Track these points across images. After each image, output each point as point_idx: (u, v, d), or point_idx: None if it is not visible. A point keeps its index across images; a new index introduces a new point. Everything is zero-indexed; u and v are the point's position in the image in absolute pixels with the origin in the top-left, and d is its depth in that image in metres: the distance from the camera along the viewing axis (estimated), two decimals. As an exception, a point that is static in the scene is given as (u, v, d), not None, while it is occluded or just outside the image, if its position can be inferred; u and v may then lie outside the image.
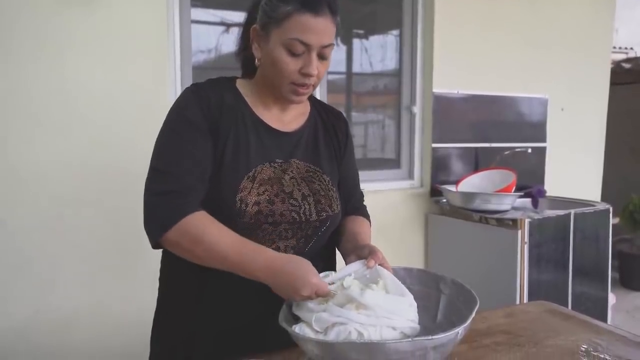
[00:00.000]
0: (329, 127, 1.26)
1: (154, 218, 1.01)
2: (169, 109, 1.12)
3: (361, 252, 1.07)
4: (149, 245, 1.04)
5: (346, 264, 1.09)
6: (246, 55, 1.17)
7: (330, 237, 1.22)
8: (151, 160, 1.07)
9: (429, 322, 0.98)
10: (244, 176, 1.08)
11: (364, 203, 1.37)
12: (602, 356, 1.10)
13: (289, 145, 1.17)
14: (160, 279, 1.22)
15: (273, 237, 1.09)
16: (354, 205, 1.33)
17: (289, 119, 1.20)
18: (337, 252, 1.26)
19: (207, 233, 0.99)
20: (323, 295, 0.93)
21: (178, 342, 1.15)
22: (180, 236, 0.99)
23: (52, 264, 2.06)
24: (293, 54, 1.05)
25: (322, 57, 1.08)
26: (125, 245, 2.12)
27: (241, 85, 1.18)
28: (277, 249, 1.10)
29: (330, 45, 1.07)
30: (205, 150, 1.06)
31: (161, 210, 1.00)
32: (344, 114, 1.42)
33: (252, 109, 1.15)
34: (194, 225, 0.99)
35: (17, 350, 2.02)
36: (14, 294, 2.01)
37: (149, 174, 1.06)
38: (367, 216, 1.34)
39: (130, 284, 2.16)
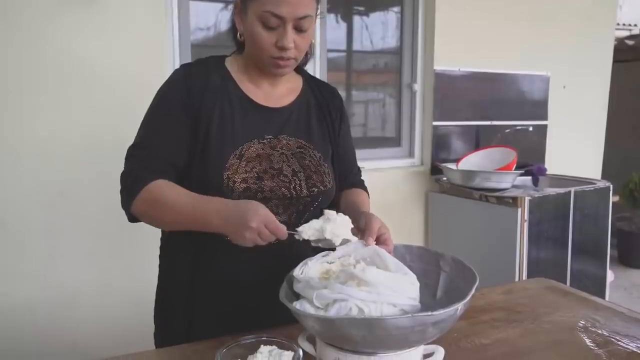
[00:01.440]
0: (322, 104, 1.25)
1: (124, 193, 1.06)
2: None
3: (358, 221, 1.06)
4: None
5: None
6: (236, 30, 1.16)
7: None
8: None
9: (429, 299, 0.98)
10: (230, 154, 1.08)
11: (362, 179, 1.37)
12: (600, 332, 1.12)
13: (278, 121, 1.17)
14: (160, 256, 1.23)
15: None
16: (352, 180, 1.33)
17: (279, 94, 1.19)
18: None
19: (164, 195, 1.02)
20: (274, 231, 0.94)
21: (179, 319, 1.16)
22: (142, 202, 1.03)
23: (53, 241, 2.07)
24: (268, 27, 1.04)
25: (299, 29, 1.05)
26: (126, 221, 2.13)
27: (231, 63, 1.18)
28: None
29: (307, 17, 1.04)
30: (181, 131, 1.08)
31: (128, 184, 1.05)
32: (343, 92, 1.41)
33: (239, 86, 1.15)
34: (152, 190, 1.03)
35: (22, 328, 2.04)
36: (17, 273, 2.03)
37: (127, 152, 1.10)
38: (365, 189, 1.35)
39: (132, 260, 2.17)
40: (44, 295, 2.07)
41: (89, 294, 2.15)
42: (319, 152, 1.19)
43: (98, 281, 2.16)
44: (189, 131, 1.09)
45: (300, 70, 1.26)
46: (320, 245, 0.99)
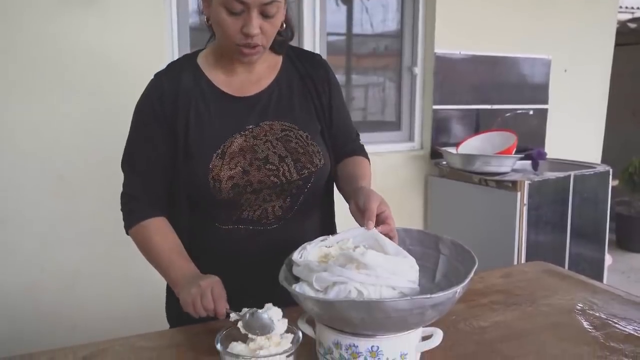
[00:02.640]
0: (304, 76, 1.19)
1: (123, 214, 1.15)
2: None
3: (357, 199, 1.02)
4: None
5: (349, 208, 1.06)
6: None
7: (325, 190, 1.21)
8: None
9: (428, 282, 0.99)
10: (212, 155, 1.07)
11: (361, 143, 1.34)
12: (597, 314, 1.12)
13: (258, 108, 1.13)
14: None
15: (258, 202, 1.10)
16: (352, 147, 1.30)
17: (257, 76, 1.15)
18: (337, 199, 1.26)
19: (150, 241, 1.10)
20: (218, 298, 0.97)
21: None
22: (135, 238, 1.13)
23: (53, 225, 2.08)
24: (232, 13, 1.00)
25: (265, 15, 1.01)
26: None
27: (204, 57, 1.15)
28: (265, 212, 1.11)
29: (273, 2, 1.00)
30: (162, 143, 1.10)
31: (124, 213, 1.15)
32: (343, 77, 1.38)
33: (212, 82, 1.12)
34: (142, 232, 1.11)
35: (22, 311, 2.05)
36: (16, 256, 2.04)
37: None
38: (364, 154, 1.30)
39: (132, 244, 2.17)
40: (43, 278, 2.08)
41: (89, 277, 2.16)
42: (305, 131, 1.15)
43: (98, 264, 2.17)
44: (169, 142, 1.10)
45: (280, 49, 1.19)
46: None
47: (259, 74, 1.16)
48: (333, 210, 1.29)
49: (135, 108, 1.13)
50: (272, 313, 0.89)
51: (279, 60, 1.19)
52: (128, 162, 1.14)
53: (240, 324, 0.88)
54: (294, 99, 1.17)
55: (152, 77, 1.13)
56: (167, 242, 1.10)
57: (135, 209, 1.12)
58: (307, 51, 1.26)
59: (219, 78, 1.13)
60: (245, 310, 0.91)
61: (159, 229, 1.11)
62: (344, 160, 1.27)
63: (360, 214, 1.01)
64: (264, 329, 0.87)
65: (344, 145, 1.28)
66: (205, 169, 1.06)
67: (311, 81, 1.19)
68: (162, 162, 1.11)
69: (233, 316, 0.93)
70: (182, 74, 1.12)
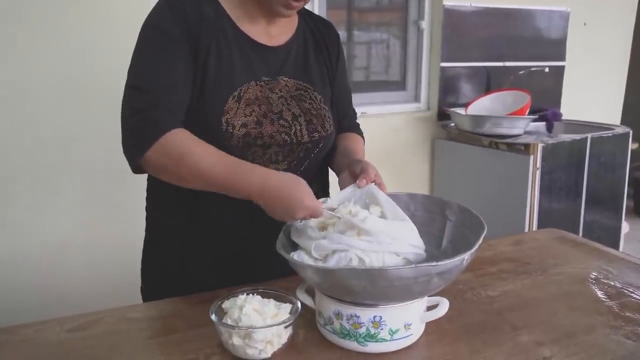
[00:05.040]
0: (319, 40, 1.23)
1: (132, 138, 1.00)
2: None
3: (354, 168, 1.07)
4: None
5: (339, 180, 1.11)
6: None
7: (324, 161, 1.22)
8: (127, 79, 1.04)
9: (434, 249, 1.00)
10: (228, 96, 1.06)
11: (357, 122, 1.38)
12: (612, 283, 1.14)
13: (276, 61, 1.15)
14: (147, 208, 1.23)
15: (263, 160, 1.10)
16: (348, 123, 1.33)
17: (276, 32, 1.16)
18: (330, 174, 1.27)
19: (191, 151, 0.97)
20: (317, 216, 0.95)
21: (168, 273, 1.18)
22: (161, 156, 0.98)
23: (36, 192, 2.08)
24: None
25: None
26: (115, 171, 2.13)
27: None
28: None
29: None
30: (186, 65, 1.04)
31: (139, 129, 0.99)
32: (344, 33, 1.37)
33: (235, 22, 1.11)
34: (175, 143, 0.98)
35: (7, 281, 2.08)
36: (4, 224, 2.05)
37: (125, 92, 1.03)
38: (360, 134, 1.35)
39: (120, 212, 2.19)
40: (29, 247, 2.10)
41: (76, 247, 2.17)
42: (319, 94, 1.18)
43: (85, 234, 2.18)
44: (194, 65, 1.04)
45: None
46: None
47: (278, 31, 1.17)
48: (328, 185, 1.30)
49: (151, 26, 1.05)
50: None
51: (295, 19, 1.21)
52: (138, 84, 1.02)
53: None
54: (310, 61, 1.20)
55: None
56: (216, 152, 0.99)
57: (157, 118, 0.98)
58: (321, 17, 1.30)
59: (241, 22, 1.12)
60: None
61: (196, 138, 1.00)
62: (340, 134, 1.30)
63: (353, 180, 1.05)
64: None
65: (341, 121, 1.31)
66: (220, 109, 1.05)
67: (324, 44, 1.23)
68: (184, 83, 1.03)
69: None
70: (202, 5, 1.08)
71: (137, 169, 1.02)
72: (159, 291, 1.14)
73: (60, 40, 2.03)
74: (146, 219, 1.24)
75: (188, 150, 0.98)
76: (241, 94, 1.07)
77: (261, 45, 1.13)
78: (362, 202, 1.00)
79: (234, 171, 0.98)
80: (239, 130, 1.05)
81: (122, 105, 1.03)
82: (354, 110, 1.37)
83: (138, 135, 0.99)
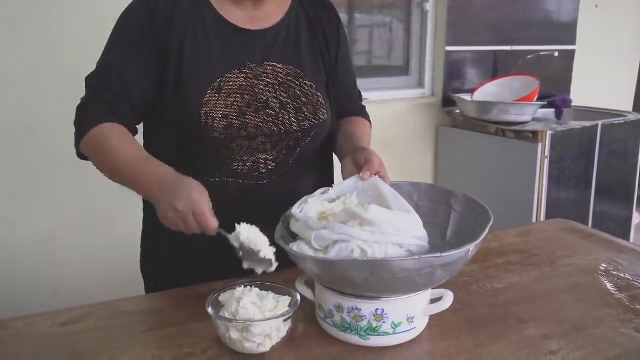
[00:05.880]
0: (314, 22, 1.20)
1: (76, 126, 1.06)
2: None
3: (358, 156, 1.06)
4: None
5: (342, 166, 1.10)
6: None
7: (322, 147, 1.21)
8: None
9: (438, 240, 1.00)
10: (207, 88, 1.06)
11: (363, 104, 1.36)
12: (622, 275, 1.14)
13: (263, 45, 1.13)
14: (144, 199, 1.23)
15: (250, 150, 1.09)
16: (353, 107, 1.32)
17: (265, 13, 1.14)
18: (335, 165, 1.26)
19: (110, 143, 1.01)
20: (202, 224, 0.91)
21: (167, 265, 1.19)
22: (89, 146, 1.03)
23: (24, 180, 2.08)
24: None
25: None
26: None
27: None
28: (257, 164, 1.11)
29: None
30: (142, 63, 1.06)
31: (80, 119, 1.06)
32: (345, 16, 1.36)
33: (215, 8, 1.10)
34: (100, 135, 1.02)
35: (1, 271, 2.08)
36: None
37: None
38: (366, 117, 1.33)
39: (113, 201, 2.18)
40: (19, 238, 2.10)
41: (69, 238, 2.18)
42: (310, 80, 1.16)
43: (78, 224, 2.19)
44: (154, 63, 1.06)
45: None
46: (245, 261, 0.94)
47: (267, 12, 1.15)
48: (332, 173, 1.30)
49: (119, 21, 1.09)
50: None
51: (288, 0, 1.19)
52: (97, 78, 1.08)
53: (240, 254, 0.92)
54: (302, 44, 1.18)
55: None
56: (132, 146, 1.03)
57: (94, 112, 1.04)
58: None
59: (222, 5, 1.11)
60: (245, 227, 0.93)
61: (123, 132, 1.04)
62: (344, 119, 1.28)
63: (357, 168, 1.04)
64: (264, 263, 0.91)
65: (346, 104, 1.29)
66: (198, 102, 1.05)
67: (321, 28, 1.20)
68: (140, 85, 1.06)
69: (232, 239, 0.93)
70: None
71: (80, 155, 1.09)
72: (159, 283, 1.14)
73: (53, 31, 2.03)
74: (143, 210, 1.24)
75: (108, 139, 1.02)
76: (222, 85, 1.07)
77: (244, 30, 1.11)
78: (365, 195, 1.00)
79: (139, 161, 1.00)
80: (219, 122, 1.05)
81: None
82: (359, 93, 1.35)
83: (78, 125, 1.06)
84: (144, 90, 1.07)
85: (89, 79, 1.08)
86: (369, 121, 1.33)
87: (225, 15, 1.11)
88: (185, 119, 1.06)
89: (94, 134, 1.02)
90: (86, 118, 1.04)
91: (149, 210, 1.23)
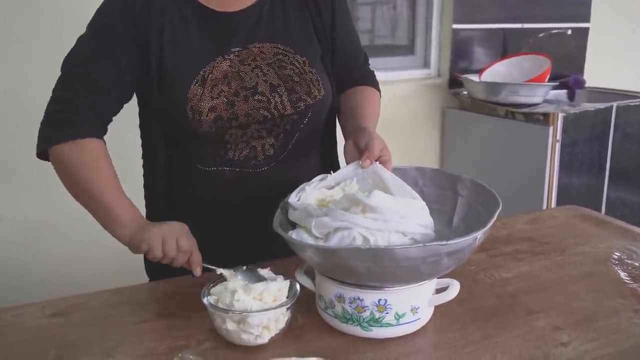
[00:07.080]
0: None
1: (47, 128, 1.06)
2: None
3: (358, 139, 1.04)
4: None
5: (344, 150, 1.09)
6: None
7: (327, 126, 1.21)
8: (67, 55, 1.09)
9: (444, 227, 1.00)
10: (191, 82, 1.05)
11: (370, 70, 1.33)
12: (637, 264, 1.14)
13: (246, 26, 1.11)
14: (145, 186, 1.24)
15: (245, 139, 1.09)
16: (359, 72, 1.29)
17: None
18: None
19: (85, 173, 1.03)
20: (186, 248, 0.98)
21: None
22: (60, 159, 1.04)
23: (22, 171, 2.08)
24: None
25: None
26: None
27: None
28: (254, 151, 1.11)
29: None
30: (123, 63, 1.05)
31: (53, 122, 1.06)
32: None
33: None
34: (78, 155, 1.03)
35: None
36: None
37: (62, 67, 1.08)
38: (374, 84, 1.30)
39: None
40: (7, 227, 2.11)
41: (58, 227, 2.18)
42: (302, 55, 1.13)
43: (69, 213, 2.18)
44: (134, 58, 1.06)
45: None
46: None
47: None
48: (335, 152, 1.28)
49: (95, 17, 1.08)
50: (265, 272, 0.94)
51: None
52: (73, 64, 1.07)
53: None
54: (290, 17, 1.15)
55: None
56: (112, 175, 1.05)
57: (74, 120, 1.04)
58: None
59: None
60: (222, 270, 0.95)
61: (104, 154, 1.06)
62: (349, 90, 1.26)
63: (357, 153, 1.03)
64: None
65: (350, 71, 1.26)
66: (182, 98, 1.05)
67: None
68: (120, 83, 1.06)
69: (225, 272, 0.94)
70: None
71: (41, 155, 1.08)
72: (160, 272, 1.14)
73: (48, 29, 2.03)
74: (145, 197, 1.25)
75: (87, 167, 1.03)
76: (206, 76, 1.06)
77: (223, 13, 1.10)
78: (365, 182, 1.00)
79: (105, 198, 1.02)
80: (207, 116, 1.04)
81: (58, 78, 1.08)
82: (365, 56, 1.32)
83: (52, 129, 1.05)
84: (122, 87, 1.07)
85: (66, 65, 1.07)
86: (378, 88, 1.30)
87: (202, 0, 1.09)
88: (172, 115, 1.07)
89: (73, 147, 1.03)
90: (67, 124, 1.04)
91: (151, 205, 1.24)
